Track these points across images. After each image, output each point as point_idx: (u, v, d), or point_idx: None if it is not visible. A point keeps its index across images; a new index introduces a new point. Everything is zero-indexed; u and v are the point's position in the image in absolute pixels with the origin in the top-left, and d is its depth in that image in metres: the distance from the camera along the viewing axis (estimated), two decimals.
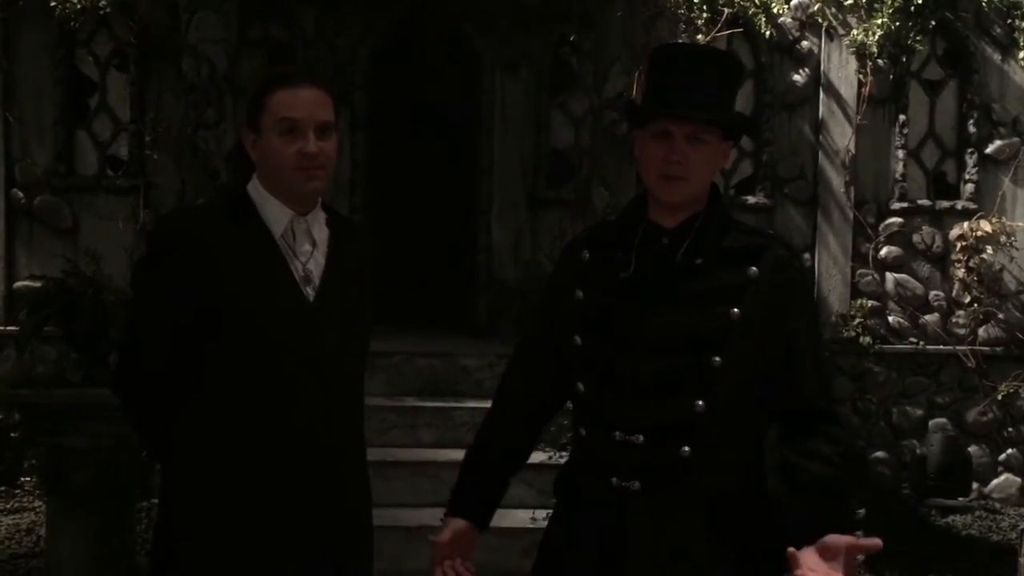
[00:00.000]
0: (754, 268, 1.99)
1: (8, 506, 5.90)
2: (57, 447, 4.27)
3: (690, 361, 1.98)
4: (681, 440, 1.97)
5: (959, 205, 7.08)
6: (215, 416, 1.99)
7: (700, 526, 1.98)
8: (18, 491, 6.10)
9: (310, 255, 2.05)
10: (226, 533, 1.97)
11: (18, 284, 6.50)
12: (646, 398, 1.99)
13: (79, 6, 6.22)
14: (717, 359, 1.96)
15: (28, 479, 6.12)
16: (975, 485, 6.94)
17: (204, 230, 2.00)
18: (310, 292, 2.03)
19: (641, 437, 1.98)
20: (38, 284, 4.71)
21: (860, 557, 1.87)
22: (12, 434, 6.04)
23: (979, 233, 6.89)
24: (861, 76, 6.87)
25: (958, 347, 6.97)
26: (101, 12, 6.29)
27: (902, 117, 7.02)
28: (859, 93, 6.89)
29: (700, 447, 1.97)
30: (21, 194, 6.59)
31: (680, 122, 1.96)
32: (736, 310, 1.97)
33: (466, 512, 2.15)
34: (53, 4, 6.21)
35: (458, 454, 5.43)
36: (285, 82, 1.99)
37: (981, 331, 7.03)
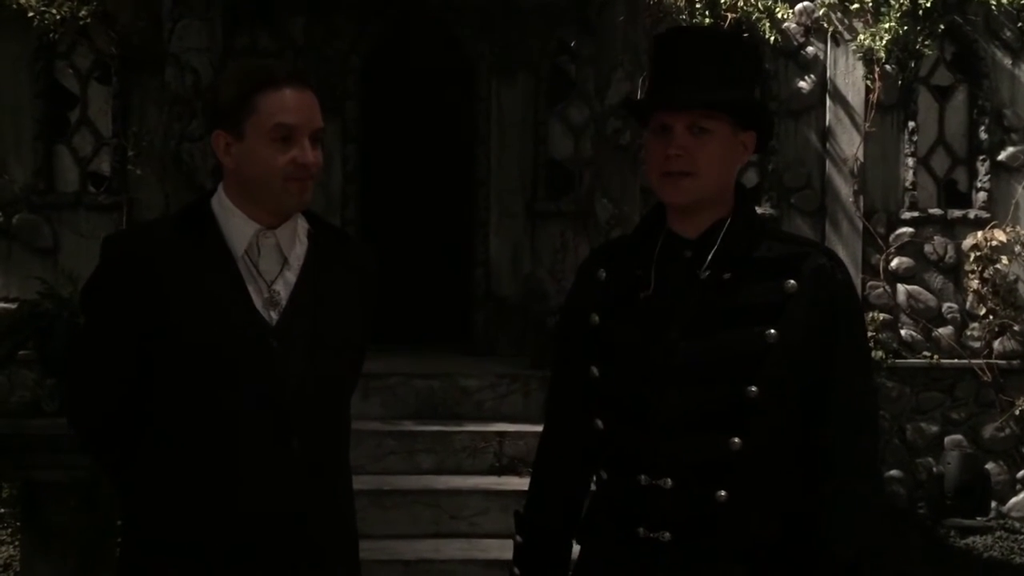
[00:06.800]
0: (792, 281, 1.80)
1: None
2: (31, 480, 4.15)
3: (722, 392, 1.80)
4: (716, 483, 1.79)
5: (971, 214, 6.95)
6: (165, 452, 1.84)
7: None
8: None
9: (278, 274, 1.88)
10: (171, 568, 1.83)
11: None
12: (674, 436, 1.81)
13: (58, 17, 6.16)
14: (753, 389, 1.78)
15: (4, 511, 5.92)
16: (993, 504, 6.76)
17: (152, 251, 1.84)
18: (274, 316, 1.85)
19: (670, 481, 1.80)
20: (13, 307, 4.52)
21: None
22: None
23: (993, 243, 6.74)
24: (868, 82, 6.75)
25: (973, 361, 6.85)
26: (81, 23, 6.24)
27: (911, 124, 6.91)
28: (867, 99, 6.78)
29: (737, 491, 1.79)
30: None
31: (677, 112, 1.78)
32: (773, 331, 1.79)
33: None
34: (31, 15, 6.13)
35: (459, 480, 5.13)
36: (275, 82, 1.82)
37: (996, 344, 6.92)
